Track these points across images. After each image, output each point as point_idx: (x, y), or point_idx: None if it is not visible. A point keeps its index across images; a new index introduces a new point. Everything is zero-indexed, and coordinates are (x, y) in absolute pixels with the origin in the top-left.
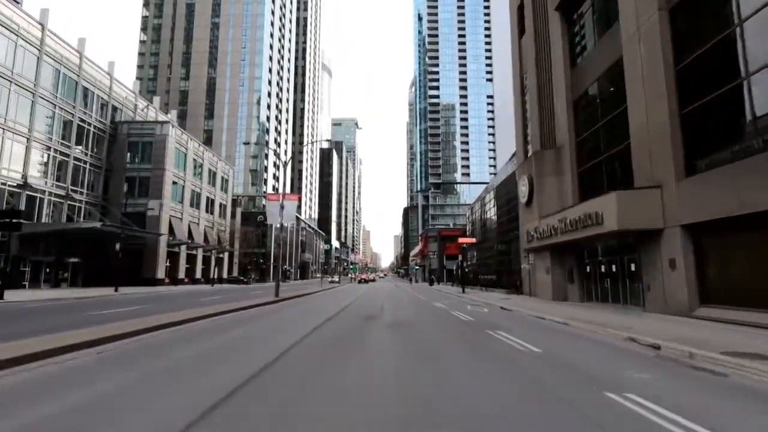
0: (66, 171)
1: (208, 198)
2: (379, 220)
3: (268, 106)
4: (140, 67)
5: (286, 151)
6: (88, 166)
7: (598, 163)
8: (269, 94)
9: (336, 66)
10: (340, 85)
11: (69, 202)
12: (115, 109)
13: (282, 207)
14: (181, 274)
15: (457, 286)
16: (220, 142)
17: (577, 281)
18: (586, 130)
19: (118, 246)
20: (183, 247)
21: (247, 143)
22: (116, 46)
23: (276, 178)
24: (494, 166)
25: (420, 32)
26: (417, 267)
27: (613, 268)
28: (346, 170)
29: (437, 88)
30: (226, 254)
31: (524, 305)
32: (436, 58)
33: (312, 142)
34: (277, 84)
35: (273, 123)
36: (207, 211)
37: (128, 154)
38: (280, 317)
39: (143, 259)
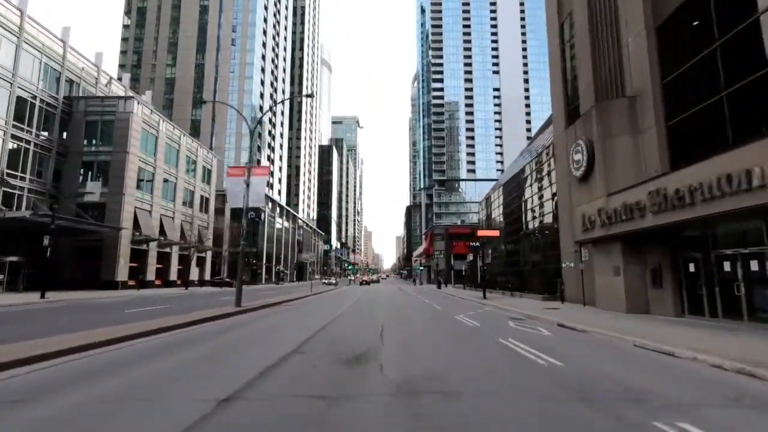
0: (1, 151)
1: (186, 189)
2: (381, 221)
3: (261, 95)
4: (123, 53)
5: (281, 145)
6: (32, 147)
7: (712, 106)
8: (262, 83)
9: (336, 61)
10: (340, 83)
11: (3, 188)
12: (70, 82)
13: (247, 184)
14: (151, 276)
15: (471, 288)
16: (209, 133)
17: (670, 286)
18: (681, 64)
19: (46, 241)
20: (153, 245)
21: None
22: (98, 32)
23: (271, 173)
24: (501, 162)
25: (423, 25)
26: (422, 267)
27: (753, 265)
28: (347, 169)
29: (441, 80)
30: (209, 253)
31: (593, 322)
32: (440, 50)
33: (308, 95)
34: (272, 72)
35: (268, 115)
36: (185, 204)
37: (86, 134)
38: (180, 360)
39: (102, 258)
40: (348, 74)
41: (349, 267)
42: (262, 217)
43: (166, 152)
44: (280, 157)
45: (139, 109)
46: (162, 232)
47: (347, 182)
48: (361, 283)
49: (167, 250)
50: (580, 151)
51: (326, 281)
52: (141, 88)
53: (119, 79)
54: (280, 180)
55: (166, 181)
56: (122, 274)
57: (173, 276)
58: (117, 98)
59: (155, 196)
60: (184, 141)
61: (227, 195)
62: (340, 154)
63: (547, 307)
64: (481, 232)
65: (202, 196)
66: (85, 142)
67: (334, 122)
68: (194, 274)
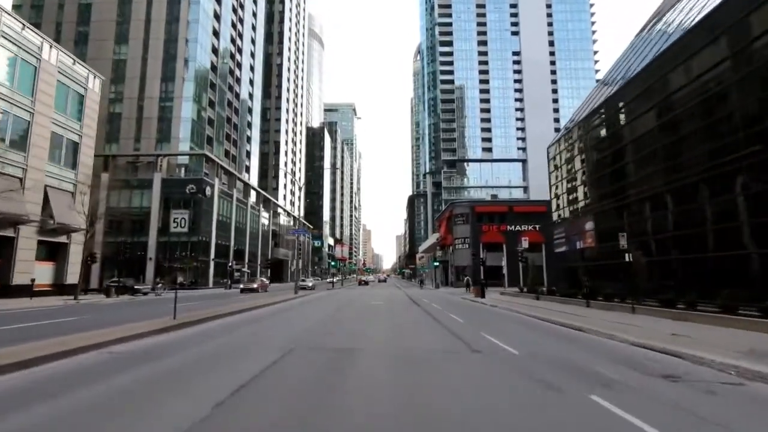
0: None
1: (10, 115)
2: (381, 221)
3: (216, 33)
4: None
5: (250, 109)
6: None
7: None
8: (218, 16)
9: (333, 51)
10: (336, 75)
11: None
12: None
13: None
14: None
15: (543, 298)
16: (136, 77)
17: None
18: None
19: None
20: None
21: None
22: None
23: (229, 139)
24: (523, 139)
25: None
26: (436, 263)
27: None
28: (342, 158)
29: (450, 44)
30: (76, 237)
31: None
32: (449, 6)
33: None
34: (233, 10)
35: (226, 60)
36: (2, 141)
37: None
38: None
39: None
40: (345, 70)
41: (333, 264)
42: (208, 193)
43: None
44: (249, 124)
45: None
46: None
47: (342, 172)
48: (360, 283)
49: None
50: None
51: (247, 286)
52: (45, 17)
53: (21, 5)
54: (248, 153)
55: None
56: None
57: None
58: None
59: None
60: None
61: None
62: (334, 140)
63: None
64: None
65: (57, 136)
66: None
67: (328, 109)
68: (43, 275)
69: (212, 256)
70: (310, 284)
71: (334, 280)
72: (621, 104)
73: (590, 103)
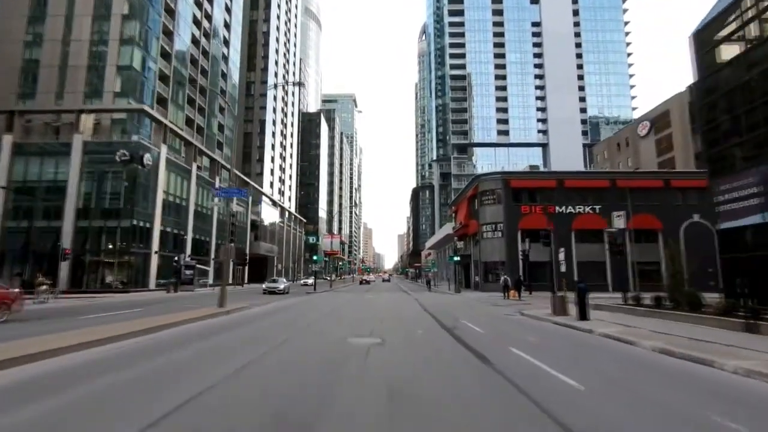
0: None
1: None
2: (383, 220)
3: None
4: None
5: (224, 73)
6: None
7: None
8: None
9: (328, 29)
10: (334, 59)
11: None
12: None
13: None
14: None
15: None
16: (61, 14)
17: None
18: None
19: None
20: None
21: None
22: None
23: (194, 105)
24: (544, 120)
25: None
26: (456, 258)
27: None
28: (341, 149)
29: (461, 13)
30: None
31: None
32: None
33: None
34: None
35: (188, 3)
36: None
37: None
38: None
39: None
40: (344, 60)
41: (315, 259)
42: (148, 162)
43: None
44: (223, 91)
45: None
46: None
47: (341, 165)
48: (361, 283)
49: None
50: None
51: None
52: None
53: None
54: (221, 127)
55: None
56: None
57: None
58: None
59: None
60: None
61: None
62: (331, 128)
63: None
64: None
65: None
66: None
67: (326, 100)
68: None
69: (155, 247)
70: (281, 287)
71: (310, 281)
72: None
73: None
